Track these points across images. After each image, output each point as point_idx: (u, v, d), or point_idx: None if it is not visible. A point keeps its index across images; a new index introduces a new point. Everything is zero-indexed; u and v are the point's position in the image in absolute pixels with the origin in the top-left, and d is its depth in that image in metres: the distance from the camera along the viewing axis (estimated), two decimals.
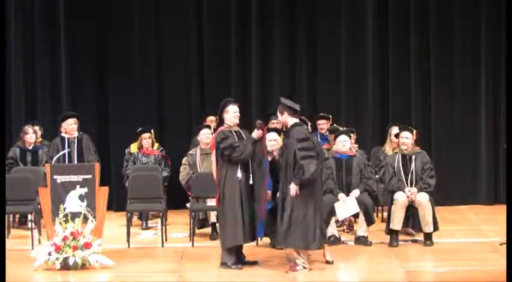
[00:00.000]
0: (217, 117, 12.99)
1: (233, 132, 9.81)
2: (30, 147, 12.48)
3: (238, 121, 9.91)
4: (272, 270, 9.72)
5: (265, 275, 9.61)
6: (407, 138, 11.14)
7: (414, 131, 11.26)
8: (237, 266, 9.75)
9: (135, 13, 13.83)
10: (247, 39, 13.94)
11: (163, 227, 11.27)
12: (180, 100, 13.95)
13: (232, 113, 9.86)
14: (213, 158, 9.88)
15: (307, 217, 9.45)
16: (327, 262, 9.92)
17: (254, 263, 9.90)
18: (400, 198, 10.90)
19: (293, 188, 9.39)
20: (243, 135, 9.83)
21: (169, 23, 13.90)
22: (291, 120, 9.63)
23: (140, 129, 12.75)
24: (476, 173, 13.98)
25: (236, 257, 9.83)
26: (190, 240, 11.16)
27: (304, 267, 9.57)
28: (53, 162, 11.36)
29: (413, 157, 11.11)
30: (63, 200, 10.11)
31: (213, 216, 11.44)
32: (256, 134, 9.71)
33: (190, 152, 12.00)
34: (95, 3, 13.80)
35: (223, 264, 9.80)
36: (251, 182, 9.73)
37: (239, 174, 9.67)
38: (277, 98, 12.81)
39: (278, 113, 9.72)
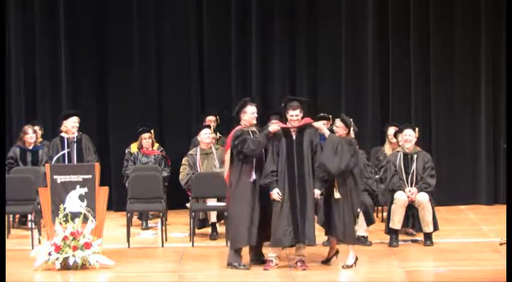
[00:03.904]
0: (217, 117, 13.06)
1: (249, 131, 9.83)
2: (30, 147, 12.47)
3: (255, 122, 9.95)
4: (272, 270, 9.72)
5: (265, 275, 9.62)
6: (410, 135, 11.14)
7: (416, 129, 11.28)
8: (245, 267, 9.76)
9: (135, 13, 13.82)
10: (247, 39, 13.92)
11: (163, 227, 11.27)
12: (180, 100, 13.94)
13: (250, 114, 9.88)
14: (227, 156, 9.89)
15: None
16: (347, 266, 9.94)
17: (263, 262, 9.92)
18: (401, 198, 10.91)
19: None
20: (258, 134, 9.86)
21: (169, 23, 13.89)
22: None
23: (140, 128, 12.75)
24: (476, 173, 13.96)
25: (253, 256, 9.87)
26: (190, 240, 11.16)
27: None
28: (53, 162, 11.35)
29: (415, 156, 11.11)
30: (63, 200, 10.11)
31: (213, 216, 11.44)
32: (272, 127, 9.74)
33: (190, 152, 11.99)
34: (95, 3, 13.79)
35: (229, 264, 9.81)
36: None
37: (254, 177, 9.69)
38: (277, 98, 12.95)
39: (298, 111, 9.73)
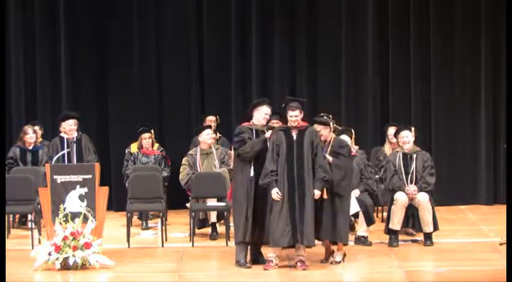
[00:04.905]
0: (216, 117, 13.06)
1: (254, 130, 9.87)
2: (30, 147, 12.47)
3: (264, 122, 9.96)
4: (272, 270, 9.72)
5: (265, 275, 9.62)
6: (407, 137, 11.15)
7: (413, 129, 11.28)
8: (245, 265, 9.78)
9: (135, 13, 13.82)
10: (247, 39, 13.92)
11: (163, 227, 11.27)
12: (180, 100, 13.94)
13: (262, 113, 9.93)
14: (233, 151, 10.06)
15: None
16: (335, 262, 9.96)
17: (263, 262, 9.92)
18: (401, 199, 10.91)
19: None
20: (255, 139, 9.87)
21: (169, 23, 13.89)
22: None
23: (140, 128, 12.75)
24: (476, 173, 13.96)
25: (252, 256, 9.87)
26: (190, 240, 11.16)
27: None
28: (53, 162, 11.35)
29: (414, 156, 11.12)
30: (63, 200, 10.11)
31: (213, 216, 11.44)
32: (269, 134, 9.78)
33: (190, 152, 12.00)
34: (95, 3, 13.79)
35: (236, 262, 9.84)
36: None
37: (252, 173, 9.71)
38: (277, 98, 12.93)
39: (297, 111, 9.75)
